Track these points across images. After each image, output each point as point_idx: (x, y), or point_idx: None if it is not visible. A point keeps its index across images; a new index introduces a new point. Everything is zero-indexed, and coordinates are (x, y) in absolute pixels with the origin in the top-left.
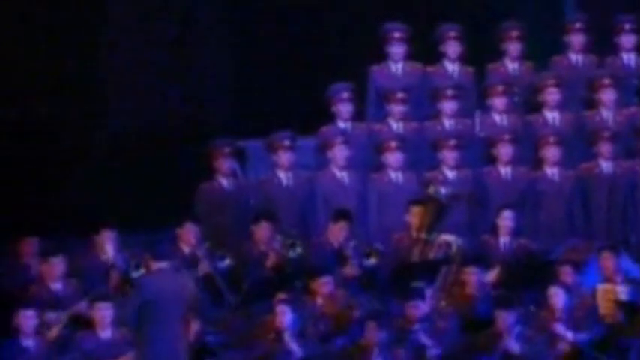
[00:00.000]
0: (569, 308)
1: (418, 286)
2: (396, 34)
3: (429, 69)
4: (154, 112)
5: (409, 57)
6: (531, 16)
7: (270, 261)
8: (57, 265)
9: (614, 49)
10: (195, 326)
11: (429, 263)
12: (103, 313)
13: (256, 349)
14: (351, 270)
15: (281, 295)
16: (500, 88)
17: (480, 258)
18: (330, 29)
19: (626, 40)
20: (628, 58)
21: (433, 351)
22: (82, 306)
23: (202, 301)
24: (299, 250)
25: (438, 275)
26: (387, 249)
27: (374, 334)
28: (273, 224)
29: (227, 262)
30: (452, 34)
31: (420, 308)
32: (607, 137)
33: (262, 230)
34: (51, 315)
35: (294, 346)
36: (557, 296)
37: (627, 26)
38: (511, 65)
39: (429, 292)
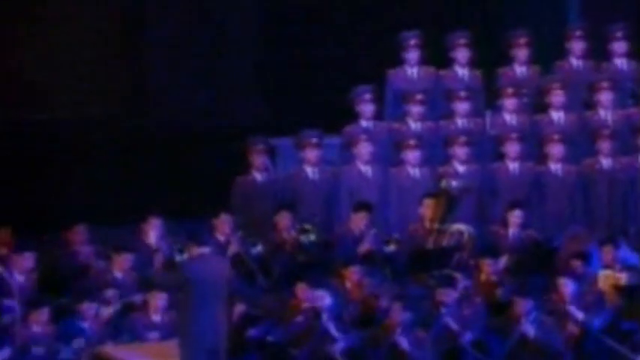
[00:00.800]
0: (578, 295)
1: (450, 274)
2: (412, 41)
3: (441, 73)
4: (194, 113)
5: (423, 62)
6: (537, 25)
7: (288, 248)
8: (123, 259)
9: (609, 55)
10: (239, 308)
11: (442, 250)
12: (156, 300)
13: (294, 328)
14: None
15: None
16: (509, 90)
17: (490, 246)
18: (352, 36)
19: (618, 46)
20: (621, 62)
21: (462, 336)
22: (137, 298)
23: (235, 283)
24: (312, 237)
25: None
26: (404, 237)
27: (398, 314)
28: (294, 214)
29: (259, 248)
30: (462, 41)
31: (450, 296)
32: (606, 135)
33: (283, 220)
34: (106, 298)
35: (330, 326)
36: (566, 286)
37: (619, 34)
38: (519, 69)
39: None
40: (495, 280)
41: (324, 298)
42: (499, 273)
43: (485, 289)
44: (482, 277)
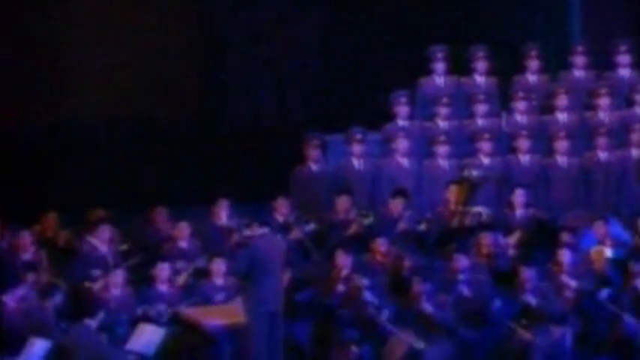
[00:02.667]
0: (573, 264)
1: (463, 248)
2: (439, 54)
3: (463, 80)
4: (260, 111)
5: (448, 71)
6: (545, 40)
7: (353, 229)
8: (184, 228)
9: (613, 65)
10: (287, 276)
11: (464, 229)
12: (218, 266)
13: (338, 293)
14: (402, 227)
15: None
16: (520, 94)
17: (504, 225)
18: (390, 49)
19: (622, 58)
20: (624, 72)
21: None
22: (201, 261)
23: (293, 257)
24: (371, 219)
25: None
26: (434, 218)
27: (419, 286)
28: (352, 198)
29: (312, 226)
30: (480, 53)
31: (462, 261)
32: (603, 133)
33: (343, 202)
34: (179, 266)
35: (367, 294)
36: (564, 255)
37: (623, 48)
38: (530, 77)
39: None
40: (496, 252)
41: (363, 280)
42: (508, 247)
43: (490, 260)
44: (484, 250)
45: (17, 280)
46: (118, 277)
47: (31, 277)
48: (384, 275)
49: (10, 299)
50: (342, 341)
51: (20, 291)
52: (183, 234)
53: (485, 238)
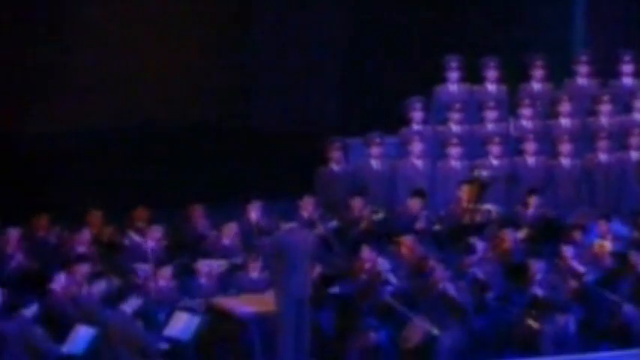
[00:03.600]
0: (577, 257)
1: (471, 243)
2: (453, 64)
3: (475, 88)
4: (286, 117)
5: (461, 79)
6: (550, 51)
7: (363, 225)
8: (231, 227)
9: (614, 74)
10: (317, 269)
11: (475, 225)
12: (254, 262)
13: (360, 283)
14: (420, 225)
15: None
16: (527, 101)
17: (513, 222)
18: (408, 59)
19: (625, 67)
20: (626, 81)
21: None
22: (239, 258)
23: (318, 250)
24: (381, 215)
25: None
26: (447, 214)
27: (441, 272)
28: (365, 198)
29: (335, 223)
30: (491, 64)
31: (473, 257)
32: (604, 137)
33: (357, 202)
34: (218, 262)
35: (391, 277)
36: (568, 250)
37: (626, 58)
38: (536, 85)
39: (479, 245)
40: (512, 247)
41: (384, 264)
42: (518, 242)
43: (504, 254)
44: (504, 245)
45: (66, 271)
46: (167, 271)
47: (80, 268)
48: (407, 267)
49: (59, 287)
50: (361, 328)
51: (68, 280)
52: (229, 232)
53: (506, 234)
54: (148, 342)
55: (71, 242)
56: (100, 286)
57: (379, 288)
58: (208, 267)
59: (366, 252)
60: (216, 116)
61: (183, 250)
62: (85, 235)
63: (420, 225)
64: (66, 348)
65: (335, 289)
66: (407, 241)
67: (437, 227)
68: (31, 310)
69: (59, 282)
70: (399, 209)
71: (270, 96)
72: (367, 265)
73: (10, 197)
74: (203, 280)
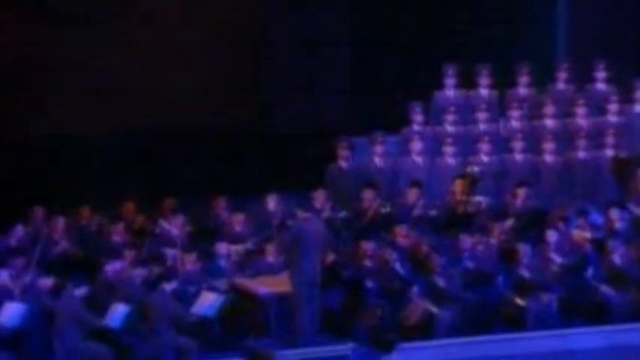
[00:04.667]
0: (558, 243)
1: (468, 231)
2: (450, 72)
3: (470, 93)
4: (300, 118)
5: (457, 85)
6: (535, 59)
7: (369, 216)
8: (238, 216)
9: (590, 80)
10: (330, 257)
11: (467, 215)
12: (270, 247)
13: (369, 268)
14: (417, 212)
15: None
16: (515, 104)
17: (501, 212)
18: (409, 66)
19: (600, 74)
20: (600, 86)
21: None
22: (251, 243)
23: (328, 238)
24: (388, 209)
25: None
26: (442, 205)
27: (435, 259)
28: (375, 191)
29: (344, 214)
30: (484, 71)
31: (465, 241)
32: (582, 136)
33: (367, 194)
34: (235, 246)
35: (397, 266)
36: (551, 236)
37: (600, 66)
38: (522, 90)
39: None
40: (501, 236)
41: (392, 254)
42: (507, 230)
43: (498, 242)
44: (495, 233)
45: (111, 256)
46: (192, 256)
47: (129, 253)
48: (405, 253)
49: (111, 270)
50: (367, 307)
51: (119, 264)
52: (238, 221)
53: (491, 225)
54: (186, 318)
55: (109, 231)
56: (141, 271)
57: (388, 271)
58: (227, 250)
59: (364, 243)
60: (238, 118)
61: (205, 237)
62: (120, 225)
63: (417, 212)
64: (106, 322)
65: (343, 272)
66: (401, 230)
67: (433, 212)
68: (80, 291)
69: (113, 267)
70: (399, 200)
71: (284, 100)
72: (368, 252)
73: (56, 189)
74: (223, 263)
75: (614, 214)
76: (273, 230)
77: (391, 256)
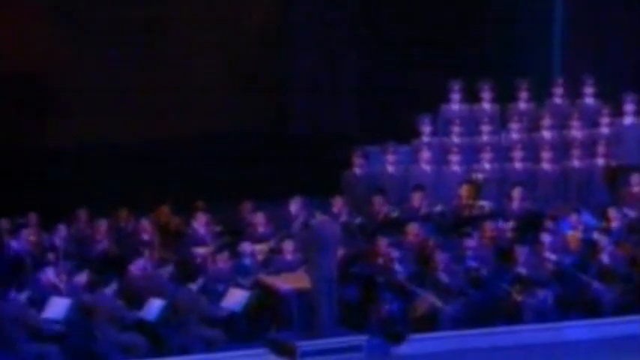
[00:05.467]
0: (552, 244)
1: (468, 231)
2: (455, 87)
3: (474, 107)
4: (319, 128)
5: (463, 99)
6: (533, 76)
7: (381, 218)
8: (260, 217)
9: (583, 95)
10: (341, 252)
11: (472, 217)
12: (287, 245)
13: (377, 264)
14: (423, 212)
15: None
16: (515, 117)
17: (503, 214)
18: (418, 82)
19: (589, 90)
20: (589, 100)
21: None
22: (274, 242)
23: (343, 238)
24: (397, 213)
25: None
26: (450, 208)
27: (439, 255)
28: (385, 197)
29: (359, 220)
30: (486, 87)
31: (468, 241)
32: (576, 146)
33: (377, 200)
34: (259, 246)
35: (397, 265)
36: (545, 237)
37: (589, 82)
38: (522, 104)
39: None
40: (498, 235)
41: (394, 253)
42: (507, 231)
43: (498, 242)
44: (487, 234)
45: (139, 254)
46: (224, 255)
47: (149, 252)
48: (413, 251)
49: (135, 268)
50: (378, 301)
51: (142, 262)
52: (262, 222)
53: (489, 226)
54: (212, 312)
55: (139, 231)
56: (169, 268)
57: (392, 269)
58: (251, 249)
59: (381, 244)
60: (264, 128)
61: (232, 237)
62: (147, 225)
63: (422, 212)
64: (141, 315)
65: (357, 270)
66: (412, 228)
67: (438, 209)
68: (111, 287)
69: (137, 265)
70: (406, 205)
71: (306, 114)
72: (382, 252)
73: (99, 193)
74: (248, 261)
75: (612, 213)
76: (292, 230)
77: (394, 254)
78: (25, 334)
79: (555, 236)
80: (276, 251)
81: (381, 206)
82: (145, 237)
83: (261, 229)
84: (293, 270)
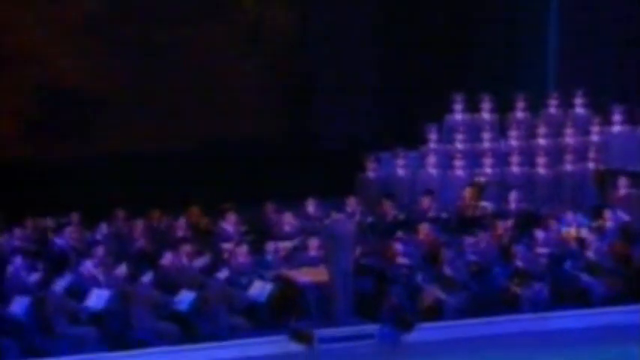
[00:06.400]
0: (546, 240)
1: (474, 230)
2: (458, 98)
3: (475, 116)
4: (336, 136)
5: (466, 110)
6: (531, 90)
7: (390, 219)
8: (287, 217)
9: (574, 106)
10: (357, 249)
11: (476, 217)
12: (312, 242)
13: (388, 256)
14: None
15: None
16: (514, 126)
17: (503, 215)
18: (425, 94)
19: (579, 101)
20: (580, 110)
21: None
22: (297, 240)
23: (357, 236)
24: (403, 215)
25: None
26: (455, 209)
27: (445, 252)
28: (394, 201)
29: (370, 219)
30: (487, 98)
31: (470, 239)
32: (569, 151)
33: (387, 203)
34: (284, 243)
35: (402, 258)
36: (542, 235)
37: (580, 94)
38: (520, 114)
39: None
40: (504, 234)
41: (400, 248)
42: (507, 229)
43: (498, 239)
44: (498, 231)
45: (174, 249)
46: (243, 249)
47: (183, 247)
48: (423, 248)
49: (166, 261)
50: (389, 293)
51: (172, 255)
52: (286, 221)
53: (498, 225)
54: (239, 300)
55: (174, 228)
56: (200, 261)
57: (403, 263)
58: (274, 246)
59: (394, 245)
60: (283, 135)
61: (257, 235)
62: (182, 223)
63: (431, 215)
64: (175, 305)
65: (368, 262)
66: (424, 228)
67: (444, 215)
68: (147, 277)
69: (168, 258)
70: (416, 206)
71: (324, 121)
72: (393, 249)
73: (135, 195)
74: (270, 257)
75: (607, 214)
76: (313, 229)
77: (404, 251)
78: (65, 320)
79: (551, 234)
80: (299, 248)
81: (390, 209)
82: (180, 234)
83: (286, 228)
84: (315, 265)
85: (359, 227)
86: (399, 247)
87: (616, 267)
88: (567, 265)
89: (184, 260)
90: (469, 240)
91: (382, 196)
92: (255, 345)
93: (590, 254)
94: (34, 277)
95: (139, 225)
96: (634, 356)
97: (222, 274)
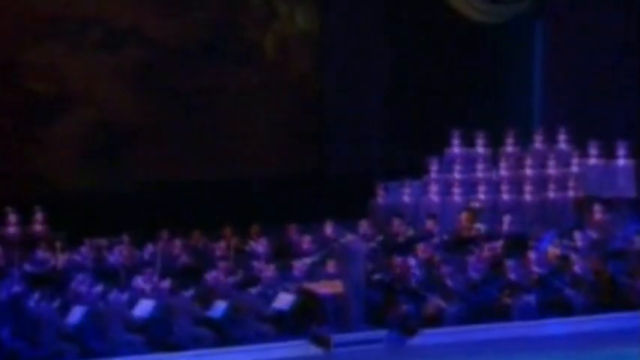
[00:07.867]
0: (537, 258)
1: (470, 249)
2: (455, 134)
3: (470, 150)
4: (347, 164)
5: (462, 144)
6: (518, 125)
7: (400, 238)
8: (306, 237)
9: (557, 141)
10: (368, 266)
11: (471, 237)
12: (331, 262)
13: (395, 271)
14: (435, 240)
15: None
16: (504, 158)
17: (495, 236)
18: (426, 130)
19: (562, 137)
20: (562, 145)
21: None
22: (316, 257)
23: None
24: (412, 233)
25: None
26: (453, 231)
27: (445, 268)
28: (402, 220)
29: (381, 237)
30: (481, 135)
31: (467, 256)
32: (552, 181)
33: (396, 222)
34: (303, 261)
35: (416, 271)
36: (530, 253)
37: (562, 131)
38: (509, 148)
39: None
40: (494, 253)
41: (412, 262)
42: (498, 248)
43: (491, 257)
44: (491, 250)
45: (214, 267)
46: (271, 267)
47: (224, 264)
48: (424, 264)
49: (210, 278)
50: (397, 303)
51: (214, 273)
52: (305, 241)
53: (486, 246)
54: (266, 309)
55: (213, 248)
56: (233, 277)
57: (409, 277)
58: (297, 263)
59: (399, 261)
60: (302, 167)
61: (282, 254)
62: (221, 244)
63: (435, 239)
64: (210, 313)
65: (379, 278)
66: (421, 247)
67: (445, 237)
68: (189, 292)
69: (212, 275)
70: (421, 228)
71: (338, 149)
72: (399, 265)
73: (177, 218)
74: (295, 272)
75: (577, 236)
76: (330, 248)
77: (411, 264)
78: (120, 327)
79: (538, 252)
80: (317, 264)
81: (399, 227)
82: (219, 253)
83: (305, 246)
84: (332, 279)
85: (376, 246)
86: (408, 262)
87: (595, 281)
88: (554, 279)
89: (221, 276)
90: (467, 258)
91: (390, 219)
92: (280, 349)
93: (573, 270)
94: (95, 290)
95: (179, 244)
96: (611, 358)
97: (253, 290)
